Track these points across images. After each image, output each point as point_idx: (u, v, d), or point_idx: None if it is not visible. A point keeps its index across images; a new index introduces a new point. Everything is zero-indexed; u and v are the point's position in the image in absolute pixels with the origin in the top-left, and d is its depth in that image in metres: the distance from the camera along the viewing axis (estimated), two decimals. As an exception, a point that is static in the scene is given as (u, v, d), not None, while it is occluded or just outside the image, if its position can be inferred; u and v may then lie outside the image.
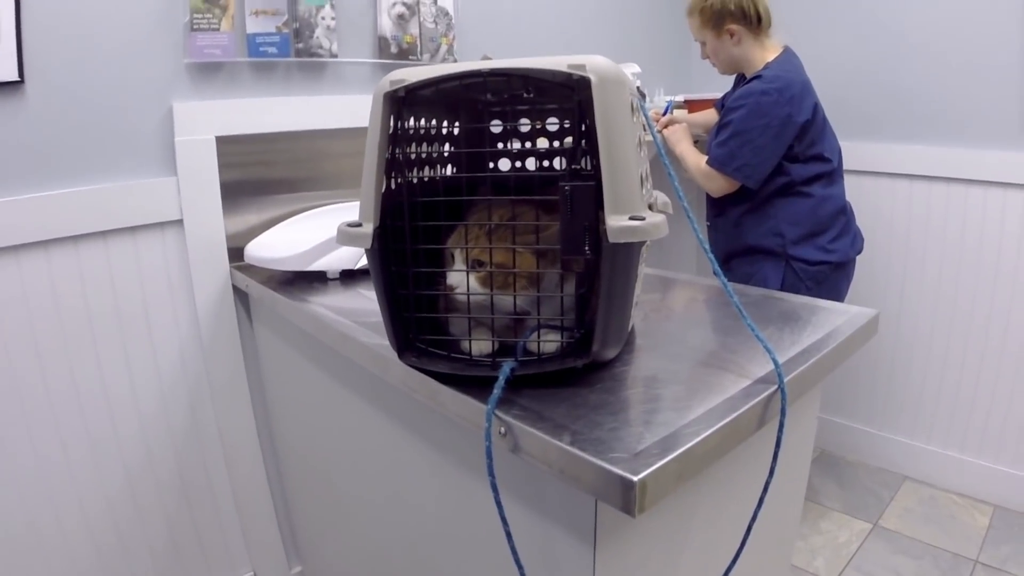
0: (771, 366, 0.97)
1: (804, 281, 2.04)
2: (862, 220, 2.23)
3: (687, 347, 1.15)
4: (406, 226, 0.94)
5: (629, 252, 0.89)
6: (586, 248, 0.87)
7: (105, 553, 1.80)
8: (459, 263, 0.96)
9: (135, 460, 1.81)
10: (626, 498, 0.73)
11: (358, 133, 1.89)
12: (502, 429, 0.86)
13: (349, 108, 1.94)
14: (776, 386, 0.94)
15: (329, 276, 1.62)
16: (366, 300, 1.47)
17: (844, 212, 2.13)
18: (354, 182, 1.95)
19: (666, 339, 1.19)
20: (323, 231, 1.61)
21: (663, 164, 1.07)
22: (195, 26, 1.68)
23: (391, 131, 0.94)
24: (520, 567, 0.86)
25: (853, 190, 2.21)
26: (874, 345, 2.67)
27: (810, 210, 2.06)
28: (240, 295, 1.86)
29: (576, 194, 0.85)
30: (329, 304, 1.44)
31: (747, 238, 2.12)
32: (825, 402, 2.92)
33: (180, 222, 1.75)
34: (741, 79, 2.20)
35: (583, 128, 0.92)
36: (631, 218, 0.85)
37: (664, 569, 1.00)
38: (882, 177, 2.60)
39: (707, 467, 0.86)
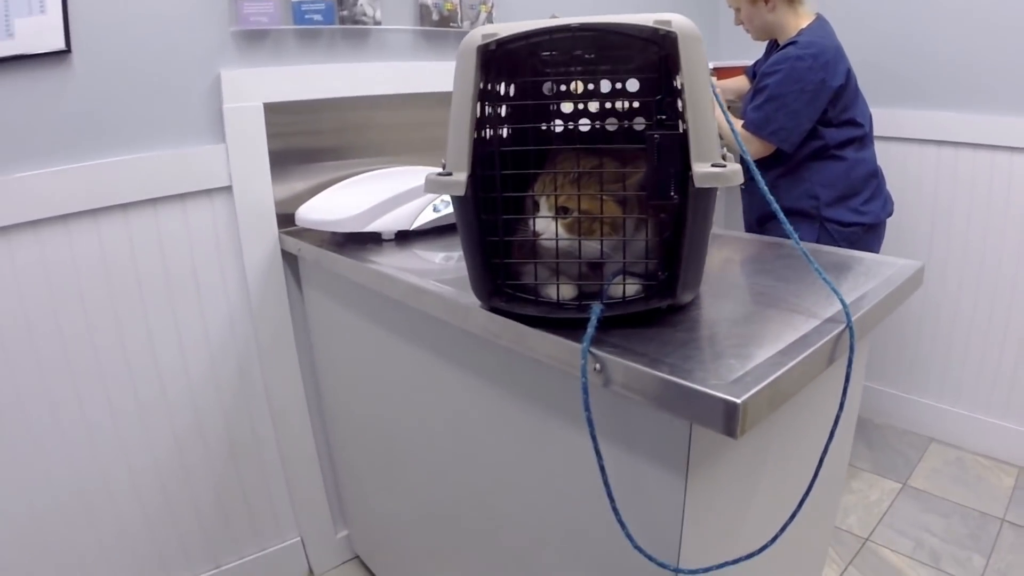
0: (835, 308, 1.04)
1: (838, 242, 2.11)
2: (892, 184, 2.30)
3: (753, 292, 1.22)
4: (497, 175, 1.00)
5: (710, 198, 0.96)
6: (672, 193, 0.93)
7: (153, 517, 1.87)
8: (545, 210, 1.02)
9: (183, 424, 1.87)
10: (729, 421, 0.80)
11: (401, 100, 1.98)
12: (596, 365, 0.93)
13: (392, 75, 2.00)
14: (844, 325, 1.01)
15: (384, 237, 1.68)
16: (422, 260, 1.53)
17: (876, 175, 2.20)
18: (399, 149, 2.04)
19: (729, 286, 1.26)
20: (378, 193, 1.67)
21: (727, 122, 1.15)
22: (241, -7, 1.73)
23: (480, 84, 1.00)
24: (612, 499, 0.93)
25: (882, 155, 2.27)
26: (901, 308, 2.74)
27: (843, 173, 2.13)
28: (288, 259, 1.91)
29: (665, 142, 0.92)
30: (388, 263, 1.50)
31: (782, 200, 2.18)
32: (852, 366, 2.98)
33: (229, 188, 1.80)
34: (772, 47, 2.26)
35: (665, 82, 0.98)
36: (713, 165, 0.92)
37: (746, 498, 1.07)
38: (911, 143, 2.65)
39: (793, 396, 0.93)
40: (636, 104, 1.14)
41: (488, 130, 1.04)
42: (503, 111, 1.11)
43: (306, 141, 1.91)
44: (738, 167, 0.95)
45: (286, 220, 1.86)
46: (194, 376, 1.87)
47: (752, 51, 2.42)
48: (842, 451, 1.47)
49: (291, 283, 1.95)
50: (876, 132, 2.24)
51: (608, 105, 1.20)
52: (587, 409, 0.91)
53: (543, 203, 1.02)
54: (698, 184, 0.91)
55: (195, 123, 1.76)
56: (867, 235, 2.17)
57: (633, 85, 1.12)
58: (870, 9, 2.67)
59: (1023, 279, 2.49)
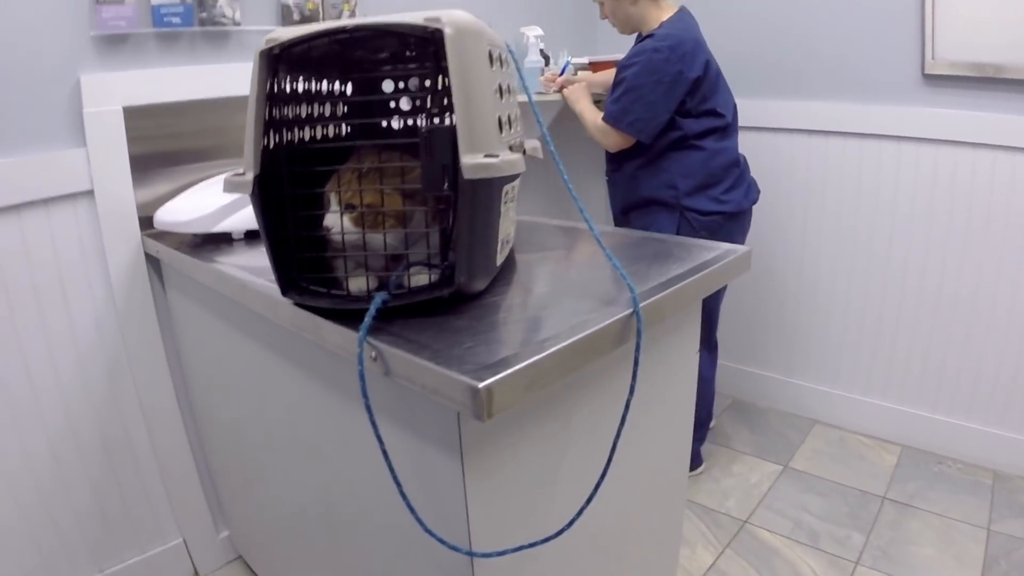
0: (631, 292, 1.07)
1: (698, 231, 2.16)
2: (763, 174, 2.36)
3: (561, 283, 1.25)
4: (284, 172, 1.02)
5: (487, 188, 0.99)
6: (445, 186, 0.96)
7: (33, 522, 1.86)
8: (334, 206, 1.05)
9: (55, 424, 1.87)
10: (476, 404, 0.82)
11: (264, 100, 1.96)
12: (373, 354, 0.95)
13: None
14: (632, 310, 1.04)
15: (234, 237, 1.69)
16: (263, 258, 1.55)
17: (737, 164, 2.25)
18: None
19: (544, 277, 1.29)
20: (226, 194, 1.67)
21: (534, 114, 1.18)
22: (100, -2, 1.74)
23: (268, 88, 1.03)
24: (397, 482, 0.96)
25: (753, 145, 2.33)
26: (780, 294, 2.82)
27: (702, 162, 2.18)
28: (152, 262, 1.91)
29: (434, 136, 0.95)
30: (234, 262, 1.51)
31: (642, 191, 2.23)
32: (735, 351, 3.06)
33: (91, 192, 1.80)
34: (638, 40, 2.29)
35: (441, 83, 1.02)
36: (486, 156, 0.95)
37: (540, 484, 1.10)
38: (781, 132, 2.72)
39: (562, 380, 0.96)
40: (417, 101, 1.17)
41: (287, 132, 1.07)
42: (302, 111, 1.14)
43: (168, 144, 1.91)
44: (515, 158, 0.98)
45: (149, 223, 1.85)
46: (64, 378, 1.86)
47: (630, 44, 2.46)
48: (681, 431, 1.51)
49: (156, 285, 1.96)
50: (750, 122, 2.31)
51: (418, 104, 1.23)
52: (364, 395, 0.93)
53: (332, 199, 1.05)
54: (466, 176, 0.94)
55: (56, 128, 1.75)
56: (728, 223, 2.22)
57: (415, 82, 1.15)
58: (743, 2, 2.72)
59: (896, 259, 2.57)
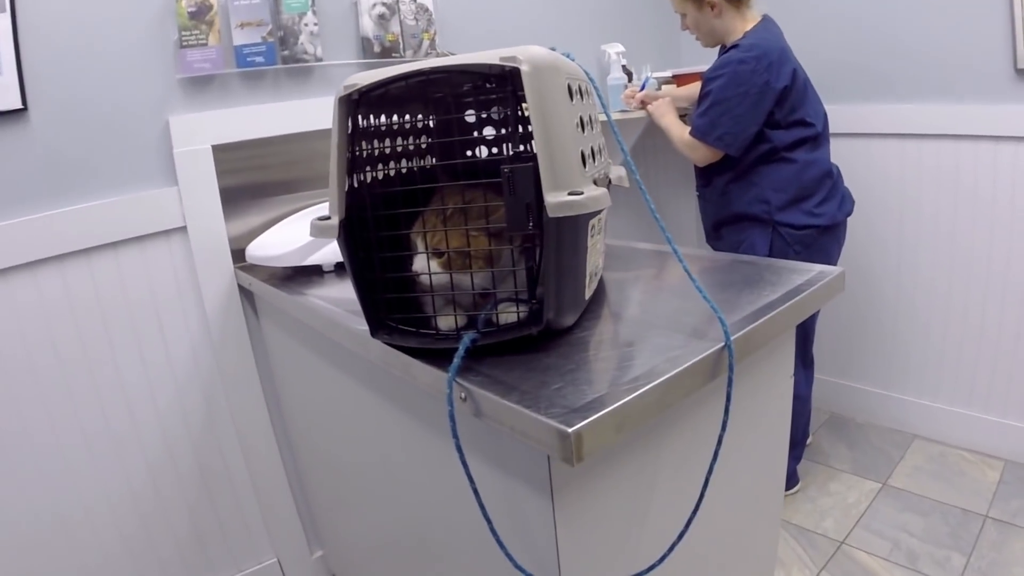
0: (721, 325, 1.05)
1: (792, 246, 2.11)
2: (856, 182, 2.30)
3: (651, 314, 1.23)
4: (369, 216, 1.03)
5: (573, 225, 0.98)
6: (530, 224, 0.96)
7: (133, 546, 1.92)
8: (421, 249, 1.05)
9: (156, 456, 1.94)
10: (564, 449, 0.81)
11: (349, 132, 2.00)
12: (463, 395, 0.95)
13: (336, 109, 2.03)
14: (724, 343, 1.02)
15: (325, 269, 1.73)
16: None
17: (830, 175, 2.19)
18: (347, 180, 2.07)
19: (634, 307, 1.28)
20: (316, 227, 1.71)
21: (616, 141, 1.17)
22: (184, 43, 1.79)
23: (349, 131, 1.04)
24: (488, 520, 0.96)
25: (845, 152, 2.27)
26: (877, 305, 2.74)
27: (794, 175, 2.13)
28: (246, 293, 1.97)
29: (515, 175, 0.94)
30: (324, 295, 1.54)
31: (734, 206, 2.19)
32: (832, 365, 2.99)
33: (184, 228, 1.86)
34: (723, 51, 2.26)
35: (520, 114, 1.01)
36: (570, 193, 0.94)
37: (630, 519, 1.08)
38: (872, 138, 2.65)
39: (652, 420, 0.94)
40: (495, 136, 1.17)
41: (371, 171, 1.08)
42: (386, 147, 1.14)
43: (257, 176, 1.97)
44: (600, 193, 0.96)
45: (241, 255, 1.91)
46: (162, 408, 1.93)
47: (712, 55, 2.43)
48: (775, 454, 1.47)
49: (250, 315, 2.01)
50: (839, 129, 2.25)
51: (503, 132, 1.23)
52: (454, 435, 0.93)
53: (419, 243, 1.05)
54: (551, 214, 0.93)
55: (148, 168, 1.82)
56: (823, 237, 2.17)
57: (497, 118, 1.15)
58: (821, 7, 2.67)
59: (997, 267, 2.47)
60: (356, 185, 1.06)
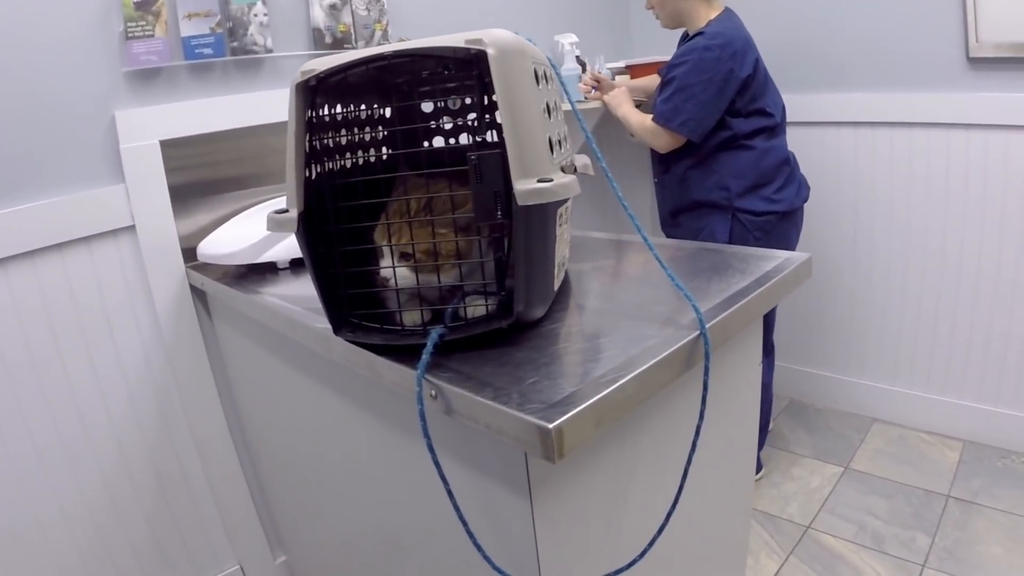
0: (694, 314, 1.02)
1: (751, 232, 2.11)
2: (811, 169, 2.30)
3: (619, 303, 1.20)
4: (329, 208, 0.98)
5: (542, 214, 0.94)
6: (498, 213, 0.92)
7: (89, 558, 1.86)
8: (387, 257, 1.00)
9: (110, 463, 1.87)
10: (545, 446, 0.78)
11: (300, 125, 1.94)
12: (432, 392, 0.91)
13: (288, 102, 1.96)
14: (699, 332, 0.99)
15: (279, 266, 1.67)
16: (310, 287, 1.52)
17: (788, 163, 2.20)
18: (301, 174, 2.01)
19: (601, 297, 1.25)
20: (270, 224, 1.65)
21: (581, 128, 1.13)
22: (130, 34, 1.72)
23: (307, 120, 0.99)
24: (464, 522, 0.92)
25: (799, 141, 2.27)
26: (834, 292, 2.75)
27: (753, 162, 2.13)
28: (198, 293, 1.90)
29: (483, 162, 0.90)
30: (280, 293, 1.49)
31: (693, 193, 2.19)
32: (790, 351, 2.99)
33: (132, 228, 1.80)
34: (684, 40, 2.26)
35: (486, 100, 0.97)
36: (539, 181, 0.90)
37: (609, 515, 1.05)
38: (827, 127, 2.66)
39: (630, 413, 0.91)
40: (461, 122, 1.12)
41: (328, 162, 1.03)
42: (343, 141, 1.10)
43: (207, 172, 1.90)
44: (569, 180, 0.93)
45: (193, 254, 1.85)
46: (115, 414, 1.86)
47: (666, 47, 2.41)
48: (746, 441, 1.45)
49: (203, 316, 1.95)
50: (794, 118, 2.25)
51: (434, 125, 1.19)
52: (426, 435, 0.89)
53: (384, 249, 1.01)
54: (520, 202, 0.89)
55: (94, 166, 1.75)
56: (782, 223, 2.17)
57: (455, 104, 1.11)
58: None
59: (951, 252, 2.49)
60: (314, 177, 1.01)
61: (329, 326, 1.05)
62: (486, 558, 0.93)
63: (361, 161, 1.15)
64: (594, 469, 0.99)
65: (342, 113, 1.09)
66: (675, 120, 2.06)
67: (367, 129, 1.18)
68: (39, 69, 1.66)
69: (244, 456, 2.11)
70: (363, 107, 1.15)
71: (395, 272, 0.99)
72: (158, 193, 1.80)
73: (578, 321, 1.12)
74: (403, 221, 0.99)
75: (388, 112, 1.22)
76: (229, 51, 1.86)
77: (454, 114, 1.26)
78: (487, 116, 1.02)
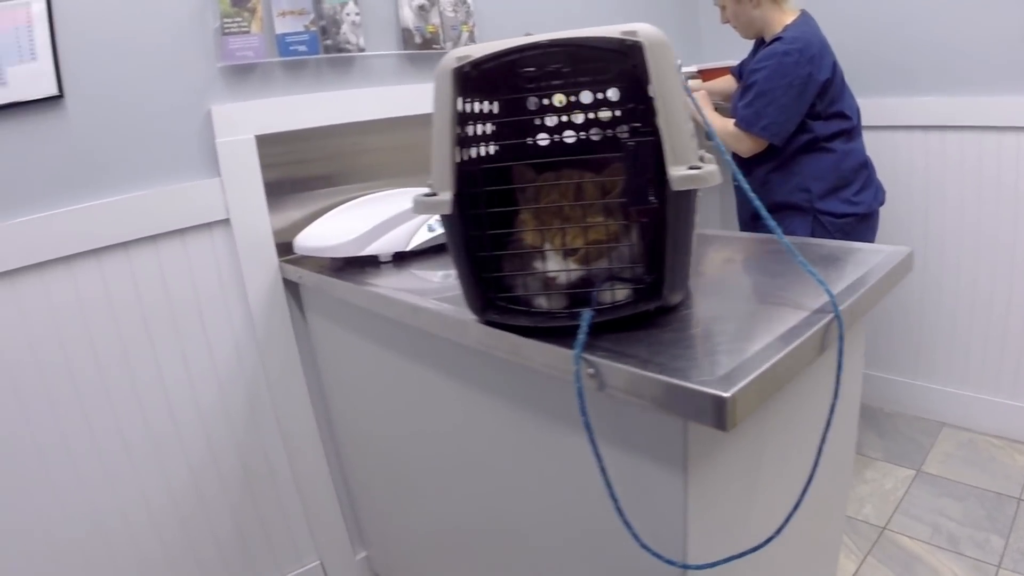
0: (822, 300, 1.07)
1: (832, 233, 2.15)
2: (882, 173, 2.33)
3: (741, 289, 1.25)
4: (480, 192, 1.03)
5: (689, 200, 0.99)
6: (651, 198, 0.97)
7: (172, 547, 1.91)
8: (553, 255, 1.05)
9: (197, 455, 1.91)
10: (719, 415, 0.82)
11: (389, 123, 2.03)
12: (590, 370, 0.96)
13: (379, 99, 2.05)
14: (832, 314, 1.04)
15: (381, 259, 1.72)
16: (419, 280, 1.57)
17: (866, 166, 2.25)
18: (389, 172, 2.09)
19: (718, 285, 1.29)
20: (372, 217, 1.71)
21: (704, 123, 1.18)
22: (226, 30, 1.78)
23: (459, 105, 1.04)
24: (615, 499, 0.96)
25: (870, 145, 2.30)
26: (904, 295, 2.78)
27: (834, 165, 2.17)
28: (290, 287, 1.96)
29: (640, 149, 0.96)
30: (387, 284, 1.54)
31: (775, 195, 2.23)
32: (861, 356, 3.01)
33: (227, 221, 1.85)
34: (759, 45, 2.31)
35: (636, 90, 1.02)
36: (690, 168, 0.95)
37: (744, 493, 1.10)
38: (897, 130, 2.68)
39: (780, 390, 0.96)
40: (619, 113, 1.17)
41: (474, 148, 1.08)
42: (488, 129, 1.15)
43: (299, 170, 1.96)
44: (714, 168, 0.97)
45: (284, 248, 1.91)
46: (204, 407, 1.91)
47: (736, 51, 2.47)
48: (847, 440, 1.50)
49: (294, 310, 2.00)
50: (864, 122, 2.28)
51: (591, 115, 1.23)
52: (584, 414, 0.94)
53: (548, 245, 1.05)
54: (675, 187, 0.94)
55: (190, 159, 1.81)
56: (861, 225, 2.21)
57: (615, 95, 1.15)
58: (847, 3, 2.70)
59: (1021, 255, 2.51)
60: (460, 161, 1.06)
61: (460, 312, 1.10)
62: (634, 536, 0.97)
63: (494, 150, 1.19)
64: (738, 446, 1.04)
65: (487, 99, 1.13)
66: (757, 124, 2.11)
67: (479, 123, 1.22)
68: (138, 62, 1.71)
69: (330, 450, 2.16)
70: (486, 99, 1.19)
71: (553, 257, 1.04)
72: (253, 187, 1.86)
73: (709, 305, 1.16)
74: (563, 205, 1.04)
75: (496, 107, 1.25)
76: (322, 49, 1.92)
77: (585, 108, 1.30)
78: (635, 106, 1.07)
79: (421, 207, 1.06)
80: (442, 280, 1.55)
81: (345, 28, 1.92)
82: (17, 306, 1.61)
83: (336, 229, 1.77)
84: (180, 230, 1.80)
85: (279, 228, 1.92)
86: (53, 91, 1.60)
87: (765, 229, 2.23)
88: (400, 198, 1.84)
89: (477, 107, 1.11)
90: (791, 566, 1.38)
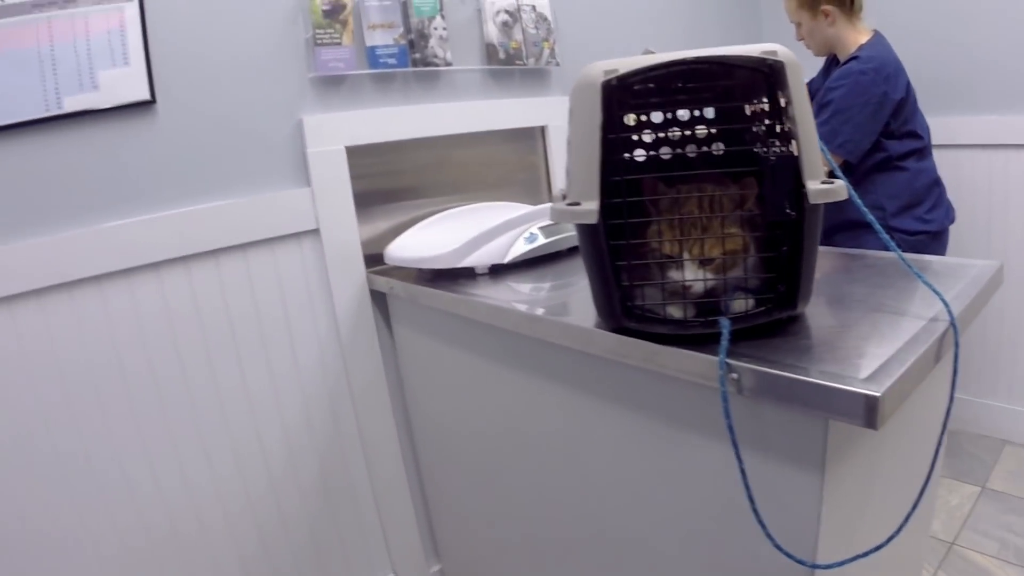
0: (932, 309, 1.16)
1: (905, 252, 2.21)
2: (948, 191, 2.40)
3: (853, 300, 1.31)
4: (623, 204, 1.11)
5: (819, 212, 1.07)
6: (788, 211, 1.05)
7: (248, 559, 1.96)
8: (690, 264, 1.11)
9: (278, 466, 1.98)
10: (870, 414, 0.89)
11: (472, 138, 2.12)
12: (733, 375, 1.03)
13: (464, 114, 2.14)
14: (948, 323, 1.11)
15: (478, 271, 1.79)
16: (514, 292, 1.63)
17: (938, 184, 2.33)
18: (472, 186, 2.18)
19: (828, 297, 1.35)
20: (468, 229, 1.78)
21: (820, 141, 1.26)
22: (318, 41, 1.86)
23: (603, 119, 1.11)
24: (752, 500, 1.03)
25: (937, 163, 2.37)
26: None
27: (907, 183, 2.25)
28: (376, 298, 2.03)
29: (780, 163, 1.04)
30: (486, 295, 1.60)
31: (848, 213, 2.26)
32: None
33: (316, 231, 1.92)
34: (831, 63, 2.41)
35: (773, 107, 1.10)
36: (822, 182, 1.03)
37: (866, 493, 1.17)
38: (961, 149, 2.77)
39: (910, 395, 1.03)
40: (759, 128, 1.23)
41: (617, 159, 1.14)
42: (635, 140, 1.20)
43: (386, 182, 2.05)
44: (844, 183, 1.06)
45: (369, 260, 1.99)
46: (287, 416, 1.97)
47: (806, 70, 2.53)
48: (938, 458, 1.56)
49: (379, 321, 2.07)
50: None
51: (712, 130, 1.31)
52: (727, 416, 1.01)
53: (686, 255, 1.12)
54: (812, 200, 1.02)
55: (280, 168, 1.88)
56: (933, 243, 2.29)
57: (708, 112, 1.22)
58: (909, 23, 2.78)
59: (1085, 275, 2.57)
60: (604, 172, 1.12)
61: (579, 320, 1.18)
62: (769, 536, 1.03)
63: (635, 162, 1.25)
64: (867, 448, 1.12)
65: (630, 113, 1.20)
66: (833, 142, 2.19)
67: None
68: (229, 69, 1.79)
69: (410, 465, 2.22)
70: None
71: (690, 266, 1.11)
72: (343, 198, 1.94)
73: (829, 314, 1.24)
74: (701, 216, 1.11)
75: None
76: (411, 62, 2.01)
77: (708, 123, 1.36)
78: (771, 123, 1.14)
79: (566, 216, 1.12)
80: (533, 293, 1.62)
81: (433, 42, 2.01)
82: (104, 310, 1.67)
83: (430, 240, 1.84)
84: (269, 239, 1.87)
85: (366, 239, 2.00)
86: (145, 96, 1.66)
87: (842, 243, 2.31)
88: (492, 211, 1.92)
89: (625, 119, 1.17)
90: (887, 571, 1.44)
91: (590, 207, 1.10)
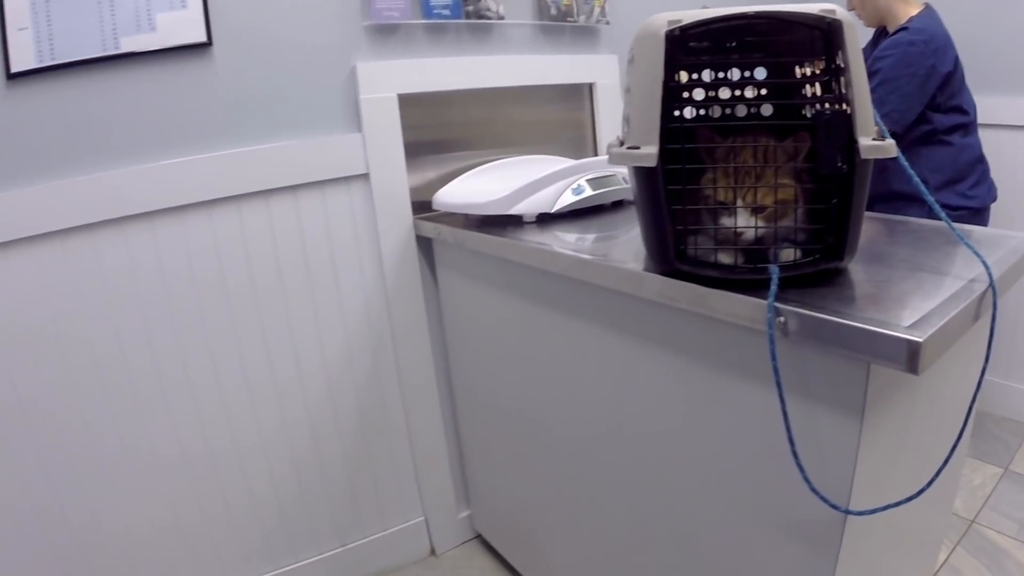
0: (975, 271, 1.22)
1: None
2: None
3: (896, 260, 1.37)
4: (682, 150, 1.18)
5: (869, 168, 1.14)
6: (840, 164, 1.12)
7: (281, 487, 2.08)
8: (742, 212, 1.18)
9: (317, 406, 2.08)
10: (912, 359, 0.96)
11: (521, 92, 2.20)
12: (781, 319, 1.10)
13: (514, 67, 2.21)
14: (988, 284, 1.18)
15: (525, 220, 1.86)
16: (560, 240, 1.69)
17: (982, 161, 2.38)
18: (519, 140, 2.25)
19: (873, 255, 1.41)
20: (517, 179, 1.85)
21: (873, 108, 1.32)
22: (374, -11, 1.93)
23: (664, 69, 1.18)
24: (792, 443, 1.10)
25: (985, 143, 2.42)
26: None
27: (951, 157, 2.30)
28: (423, 243, 2.12)
29: (834, 119, 1.11)
30: (534, 242, 1.67)
31: (891, 184, 2.36)
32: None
33: (366, 176, 2.01)
34: (880, 34, 2.45)
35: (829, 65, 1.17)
36: (873, 139, 1.10)
37: (901, 443, 1.25)
38: (1002, 129, 2.81)
39: (952, 346, 1.10)
40: (813, 85, 1.29)
41: (676, 109, 1.21)
42: (692, 91, 1.27)
43: (435, 132, 2.13)
44: (893, 142, 1.13)
45: (416, 207, 2.07)
46: (329, 354, 2.07)
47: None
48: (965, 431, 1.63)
49: (423, 266, 2.15)
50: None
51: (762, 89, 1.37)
52: (774, 358, 1.08)
53: (740, 202, 1.19)
54: (864, 156, 1.09)
55: (332, 113, 1.96)
56: (974, 219, 2.33)
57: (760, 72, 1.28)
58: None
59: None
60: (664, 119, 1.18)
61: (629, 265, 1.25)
62: (806, 479, 1.11)
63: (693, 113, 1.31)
64: (906, 397, 1.20)
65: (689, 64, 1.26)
66: (880, 111, 2.22)
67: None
68: (286, 14, 1.86)
69: (447, 410, 2.31)
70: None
71: (742, 214, 1.18)
72: (393, 144, 2.02)
73: (872, 271, 1.30)
74: (755, 166, 1.18)
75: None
76: (464, 14, 2.08)
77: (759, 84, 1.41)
78: (827, 80, 1.21)
79: (626, 159, 1.19)
80: (577, 242, 1.69)
81: (487, -5, 2.08)
82: (154, 246, 1.77)
83: (480, 189, 1.92)
84: (320, 182, 1.95)
85: (413, 187, 2.08)
86: (202, 38, 1.74)
87: (882, 211, 2.36)
88: (540, 163, 2.00)
89: (684, 70, 1.23)
90: (911, 539, 1.52)
91: (650, 151, 1.17)
